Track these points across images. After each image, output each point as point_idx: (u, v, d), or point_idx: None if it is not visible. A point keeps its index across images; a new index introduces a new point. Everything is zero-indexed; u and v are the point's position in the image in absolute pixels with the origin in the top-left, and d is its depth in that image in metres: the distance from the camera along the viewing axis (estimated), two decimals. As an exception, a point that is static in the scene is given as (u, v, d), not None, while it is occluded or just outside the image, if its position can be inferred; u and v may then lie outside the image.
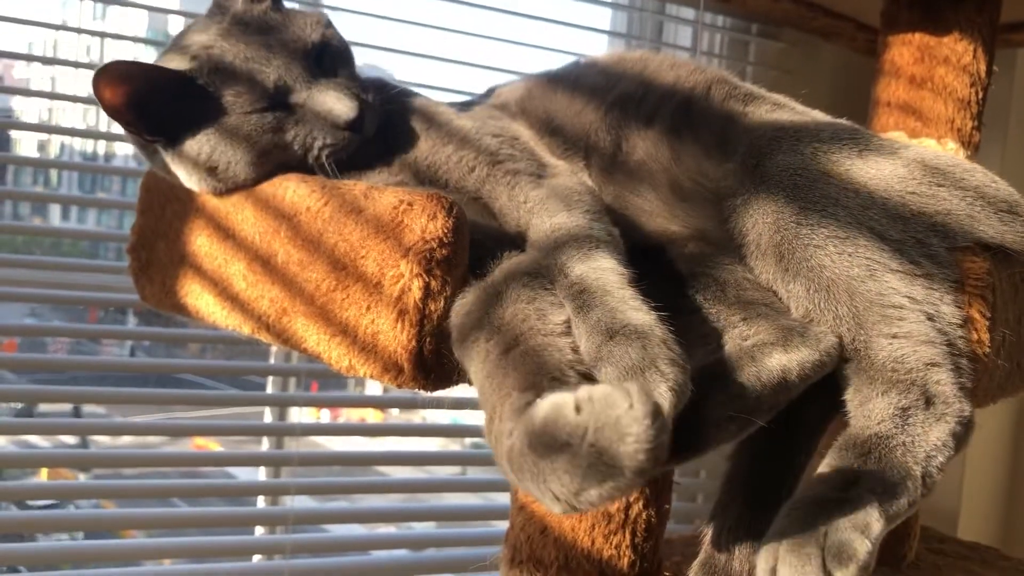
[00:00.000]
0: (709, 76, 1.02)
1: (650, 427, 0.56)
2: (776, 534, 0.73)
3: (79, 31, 1.60)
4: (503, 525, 1.16)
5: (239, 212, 0.96)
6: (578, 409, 0.59)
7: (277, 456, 1.78)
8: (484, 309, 0.78)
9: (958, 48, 1.50)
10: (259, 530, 1.76)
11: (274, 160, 0.94)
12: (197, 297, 1.02)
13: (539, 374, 0.71)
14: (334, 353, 0.86)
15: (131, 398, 1.89)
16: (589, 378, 0.73)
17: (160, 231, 1.08)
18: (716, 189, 0.93)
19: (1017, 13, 1.60)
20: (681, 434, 0.76)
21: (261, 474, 1.81)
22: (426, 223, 0.81)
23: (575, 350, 0.75)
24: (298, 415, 1.78)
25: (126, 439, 6.72)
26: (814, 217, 0.85)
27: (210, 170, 0.94)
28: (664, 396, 0.68)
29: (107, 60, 0.90)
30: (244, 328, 0.96)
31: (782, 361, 0.80)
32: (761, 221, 0.88)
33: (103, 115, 0.92)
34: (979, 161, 0.97)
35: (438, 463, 2.26)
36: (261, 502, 1.79)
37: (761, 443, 0.87)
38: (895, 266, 0.83)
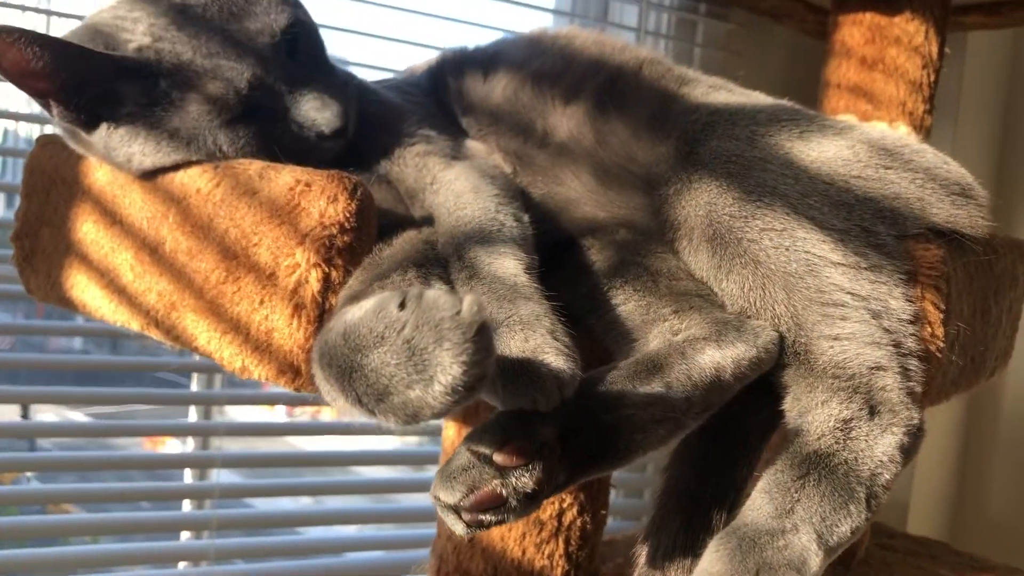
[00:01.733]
0: (640, 55, 0.94)
1: (471, 338, 0.51)
2: (704, 573, 0.66)
3: (23, 9, 1.46)
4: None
5: (127, 195, 0.87)
6: (403, 305, 0.54)
7: (200, 458, 1.68)
8: (367, 287, 0.69)
9: (910, 28, 1.46)
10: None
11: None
12: (83, 290, 0.92)
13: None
14: (225, 352, 0.77)
15: (52, 397, 1.79)
16: None
17: (45, 217, 0.97)
18: (647, 175, 0.85)
19: (969, -5, 1.56)
20: (602, 439, 0.68)
21: (187, 474, 1.72)
22: (325, 206, 0.72)
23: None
24: (219, 413, 1.69)
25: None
26: (749, 208, 0.77)
27: (129, 159, 0.82)
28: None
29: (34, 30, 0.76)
30: (132, 324, 0.87)
31: (715, 358, 0.73)
32: (693, 213, 0.80)
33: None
34: (930, 146, 0.91)
35: (363, 463, 2.13)
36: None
37: (699, 454, 0.79)
38: (837, 259, 0.75)
